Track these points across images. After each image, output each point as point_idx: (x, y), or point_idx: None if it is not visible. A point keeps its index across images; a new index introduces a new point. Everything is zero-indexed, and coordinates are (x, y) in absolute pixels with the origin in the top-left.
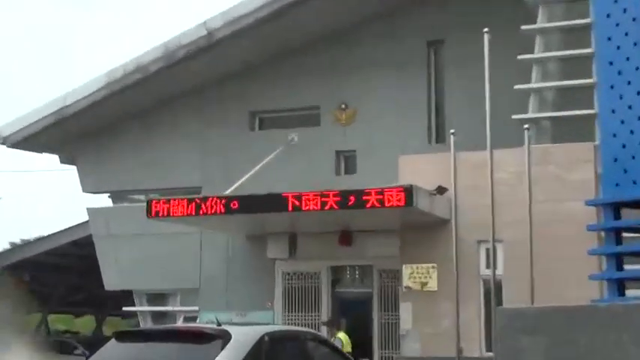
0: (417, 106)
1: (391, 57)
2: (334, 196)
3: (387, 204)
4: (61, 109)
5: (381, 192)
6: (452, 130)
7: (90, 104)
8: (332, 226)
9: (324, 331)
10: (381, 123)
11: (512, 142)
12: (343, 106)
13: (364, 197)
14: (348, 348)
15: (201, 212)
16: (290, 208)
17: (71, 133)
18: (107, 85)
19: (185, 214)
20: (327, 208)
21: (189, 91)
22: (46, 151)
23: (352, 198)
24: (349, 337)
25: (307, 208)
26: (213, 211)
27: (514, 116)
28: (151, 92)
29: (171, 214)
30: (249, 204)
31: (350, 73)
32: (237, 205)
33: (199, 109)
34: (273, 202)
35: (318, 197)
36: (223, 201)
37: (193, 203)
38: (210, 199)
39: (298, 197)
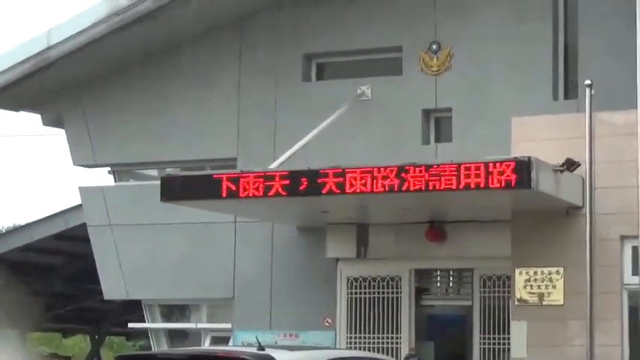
0: (539, 48)
1: None
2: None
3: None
4: (43, 52)
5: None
6: (587, 82)
7: (83, 45)
8: (417, 215)
9: None
10: (488, 71)
11: None
12: (435, 47)
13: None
14: None
15: (240, 193)
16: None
17: (57, 85)
18: (107, 17)
19: (253, 194)
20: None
21: (221, 26)
22: (24, 109)
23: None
24: None
25: (246, 194)
26: (250, 193)
27: None
28: (169, 28)
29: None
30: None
31: (443, 3)
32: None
33: (234, 53)
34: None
35: (261, 180)
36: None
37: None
38: (248, 175)
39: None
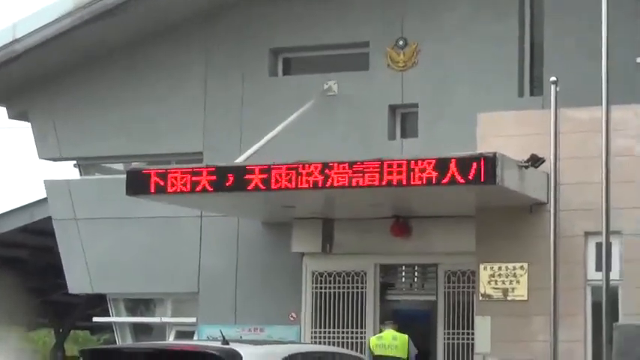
0: (506, 45)
1: None
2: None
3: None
4: (9, 45)
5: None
6: (552, 78)
7: (49, 38)
8: (382, 210)
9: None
10: (454, 67)
11: (636, 97)
12: (401, 42)
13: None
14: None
15: (168, 189)
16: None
17: (23, 78)
18: (75, 10)
19: (181, 190)
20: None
21: (188, 21)
22: None
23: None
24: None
25: (174, 189)
26: (178, 189)
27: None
28: (136, 23)
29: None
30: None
31: None
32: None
33: (201, 47)
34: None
35: (188, 176)
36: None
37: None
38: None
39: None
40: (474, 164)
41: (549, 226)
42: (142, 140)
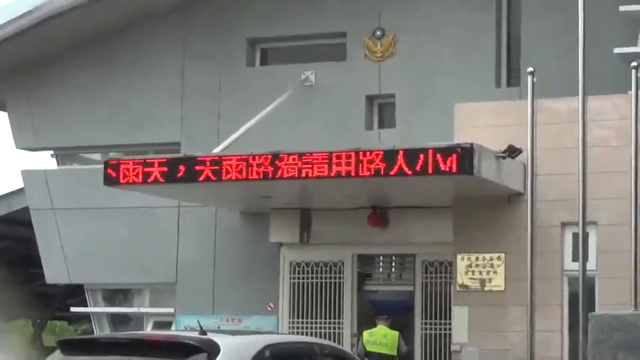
0: (483, 36)
1: None
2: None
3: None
4: None
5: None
6: (530, 69)
7: (26, 28)
8: (360, 201)
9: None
10: (432, 58)
11: (613, 88)
12: (379, 33)
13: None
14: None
15: (121, 180)
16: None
17: None
18: (50, 1)
19: (133, 180)
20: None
21: (165, 11)
22: None
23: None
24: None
25: (126, 180)
26: (130, 180)
27: (617, 50)
28: (113, 12)
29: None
30: None
31: None
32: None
33: (179, 36)
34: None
35: (140, 167)
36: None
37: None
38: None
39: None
40: (453, 155)
41: (526, 217)
42: (119, 130)
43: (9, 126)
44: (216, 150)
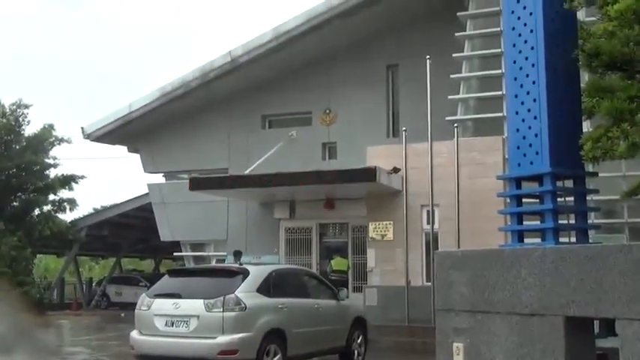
0: (380, 111)
1: (361, 76)
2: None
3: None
4: (128, 114)
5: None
6: (404, 128)
7: (148, 110)
8: (320, 196)
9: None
10: (354, 123)
11: (446, 137)
12: (327, 111)
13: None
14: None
15: (228, 185)
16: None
17: (135, 130)
18: (160, 97)
19: (216, 187)
20: (213, 187)
21: (220, 100)
22: (118, 144)
23: (228, 181)
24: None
25: (199, 188)
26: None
27: (447, 118)
28: (192, 101)
29: (206, 188)
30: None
31: (332, 87)
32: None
33: (227, 114)
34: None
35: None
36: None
37: (224, 180)
38: (235, 177)
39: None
40: (367, 171)
41: (404, 202)
42: (197, 162)
43: (140, 161)
44: (247, 172)
